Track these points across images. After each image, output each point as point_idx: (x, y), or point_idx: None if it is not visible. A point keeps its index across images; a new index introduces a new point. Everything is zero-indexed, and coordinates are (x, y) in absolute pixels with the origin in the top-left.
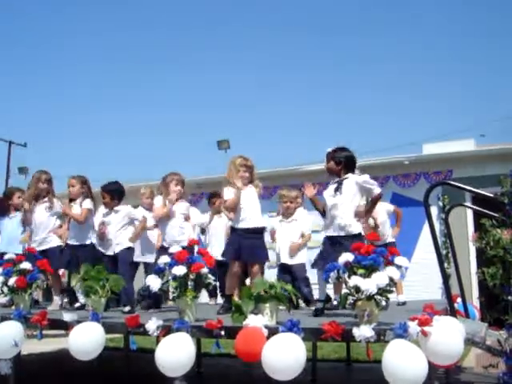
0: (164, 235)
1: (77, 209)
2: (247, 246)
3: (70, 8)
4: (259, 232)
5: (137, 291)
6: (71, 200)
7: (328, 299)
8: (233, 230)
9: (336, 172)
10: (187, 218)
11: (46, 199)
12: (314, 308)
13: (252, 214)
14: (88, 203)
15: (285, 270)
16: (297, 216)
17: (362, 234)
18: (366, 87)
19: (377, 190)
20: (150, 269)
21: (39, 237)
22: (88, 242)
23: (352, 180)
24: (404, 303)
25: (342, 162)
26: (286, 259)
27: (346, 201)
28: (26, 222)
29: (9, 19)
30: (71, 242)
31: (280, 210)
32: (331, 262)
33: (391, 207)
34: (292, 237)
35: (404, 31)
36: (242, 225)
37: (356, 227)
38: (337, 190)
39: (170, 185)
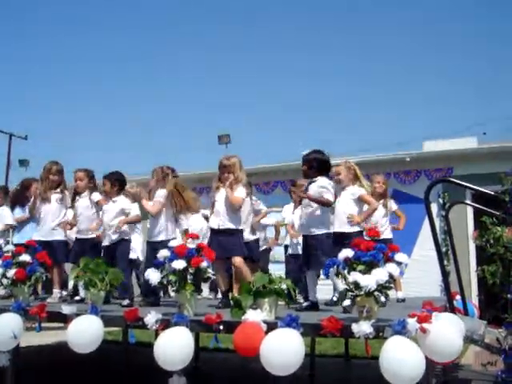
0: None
1: (84, 201)
2: (216, 244)
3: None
4: (222, 232)
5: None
6: (77, 193)
7: (315, 306)
8: None
9: (308, 175)
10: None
11: (57, 190)
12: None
13: (217, 215)
14: (98, 195)
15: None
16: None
17: (326, 232)
18: (368, 84)
19: (325, 197)
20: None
21: (46, 227)
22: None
23: (316, 184)
24: (403, 300)
25: (314, 165)
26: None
27: (308, 204)
28: (32, 213)
29: (8, 12)
30: (80, 235)
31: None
32: (305, 261)
33: (393, 206)
34: None
35: (407, 28)
36: (210, 225)
37: (316, 228)
38: (304, 192)
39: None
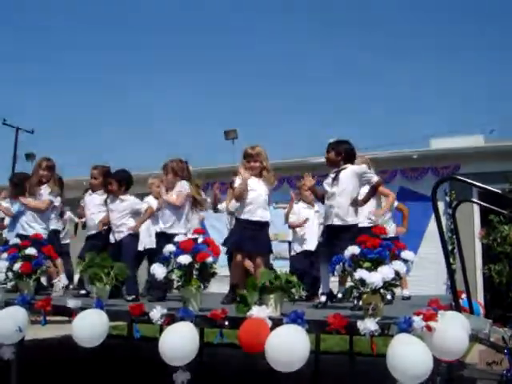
0: (165, 220)
1: (97, 199)
2: (249, 237)
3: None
4: (262, 225)
5: (145, 280)
6: (92, 190)
7: (332, 295)
8: (236, 220)
9: (335, 163)
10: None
11: (40, 187)
12: (317, 301)
13: (256, 207)
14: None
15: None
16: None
17: (359, 224)
18: (376, 81)
19: (375, 178)
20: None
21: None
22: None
23: (350, 170)
24: (409, 297)
25: (342, 154)
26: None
27: (342, 191)
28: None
29: (15, 6)
30: (89, 232)
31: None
32: (333, 252)
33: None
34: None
35: (415, 25)
36: (245, 216)
37: (352, 218)
38: (334, 179)
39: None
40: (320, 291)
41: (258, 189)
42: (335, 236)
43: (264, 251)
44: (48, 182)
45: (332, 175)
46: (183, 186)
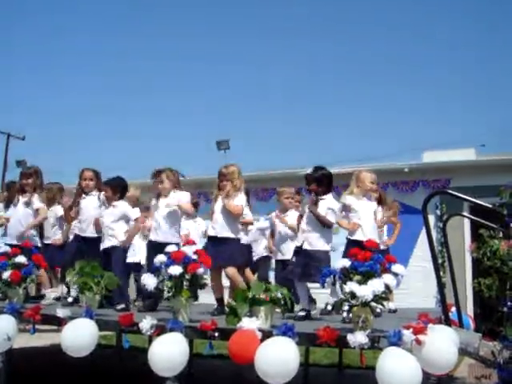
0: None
1: (92, 201)
2: (211, 252)
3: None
4: (221, 240)
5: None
6: (84, 192)
7: (310, 315)
8: None
9: (318, 193)
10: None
11: (26, 194)
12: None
13: (214, 224)
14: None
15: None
16: (289, 213)
17: (329, 249)
18: (367, 94)
19: (330, 218)
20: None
21: (16, 232)
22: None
23: (325, 203)
24: (395, 311)
25: (323, 181)
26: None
27: (315, 220)
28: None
29: (9, 11)
30: (84, 234)
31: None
32: (306, 274)
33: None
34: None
35: (407, 36)
36: (208, 232)
37: (321, 244)
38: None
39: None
40: (300, 307)
41: (219, 207)
42: (306, 258)
43: (226, 265)
44: (32, 189)
45: (311, 202)
46: (185, 197)
